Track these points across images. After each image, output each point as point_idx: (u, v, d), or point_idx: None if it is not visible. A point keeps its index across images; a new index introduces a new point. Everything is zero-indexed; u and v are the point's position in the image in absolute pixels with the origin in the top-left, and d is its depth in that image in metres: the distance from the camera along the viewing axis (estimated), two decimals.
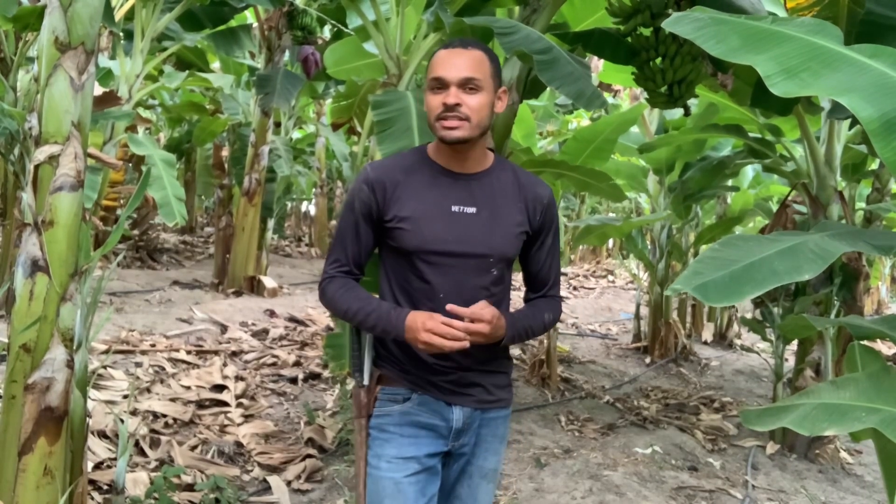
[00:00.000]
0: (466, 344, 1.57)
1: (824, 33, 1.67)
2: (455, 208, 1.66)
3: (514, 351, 6.51)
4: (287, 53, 7.53)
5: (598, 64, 6.72)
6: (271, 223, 8.51)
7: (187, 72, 7.08)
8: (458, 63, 1.61)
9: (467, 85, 1.61)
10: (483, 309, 1.59)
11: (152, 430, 3.64)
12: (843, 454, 4.42)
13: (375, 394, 1.74)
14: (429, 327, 1.56)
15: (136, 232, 9.18)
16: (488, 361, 1.74)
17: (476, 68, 1.62)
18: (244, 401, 4.30)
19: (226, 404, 4.18)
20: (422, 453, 1.70)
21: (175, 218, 5.82)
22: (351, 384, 4.14)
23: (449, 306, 1.59)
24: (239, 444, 3.68)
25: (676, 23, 1.88)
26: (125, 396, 3.87)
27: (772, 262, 2.13)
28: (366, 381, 1.74)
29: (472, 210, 1.67)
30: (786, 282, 2.06)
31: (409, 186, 1.67)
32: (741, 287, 2.02)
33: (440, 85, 1.63)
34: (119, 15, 5.51)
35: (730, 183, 6.81)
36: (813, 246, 2.25)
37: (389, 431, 1.71)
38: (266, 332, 6.01)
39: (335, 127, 7.75)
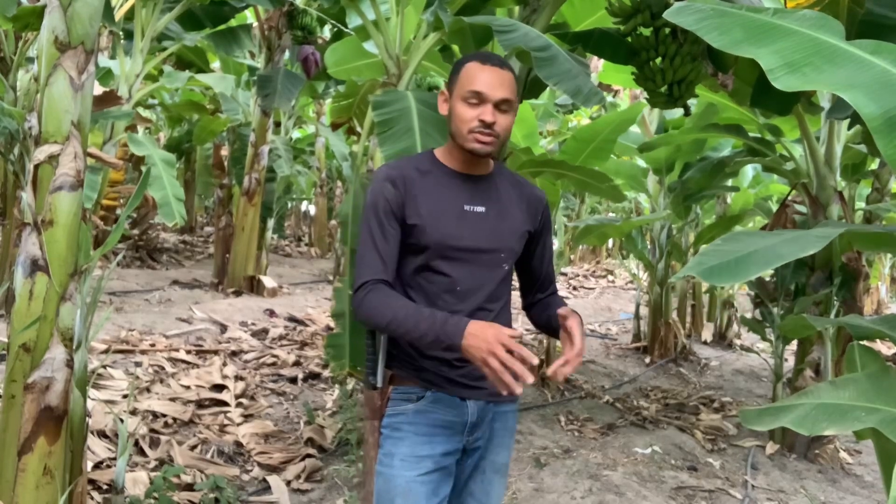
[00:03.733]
0: (518, 390, 1.44)
1: (826, 28, 1.66)
2: (467, 207, 1.73)
3: None
4: (287, 53, 7.53)
5: (597, 64, 6.72)
6: (271, 223, 8.51)
7: (188, 73, 7.08)
8: (498, 83, 1.68)
9: (502, 105, 1.68)
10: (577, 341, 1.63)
11: (152, 430, 3.64)
12: (843, 454, 4.42)
13: (388, 395, 1.75)
14: (503, 341, 1.45)
15: (135, 231, 9.18)
16: None
17: (511, 90, 1.70)
18: (244, 400, 4.30)
19: (225, 404, 4.18)
20: (436, 452, 1.70)
21: (175, 218, 5.82)
22: (351, 384, 4.14)
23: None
24: (238, 444, 3.68)
25: (678, 14, 1.87)
26: (125, 396, 3.87)
27: (776, 248, 2.15)
28: (379, 384, 1.74)
29: (481, 209, 1.74)
30: (789, 259, 2.09)
31: (424, 185, 1.74)
32: (747, 267, 2.05)
33: (479, 100, 1.67)
34: (119, 14, 5.51)
35: (730, 183, 6.81)
36: (815, 232, 2.30)
37: (403, 430, 1.71)
38: (266, 331, 6.01)
39: (335, 127, 7.75)
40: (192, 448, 3.54)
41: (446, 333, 1.52)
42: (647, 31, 3.14)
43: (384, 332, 1.68)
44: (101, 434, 3.42)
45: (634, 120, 5.46)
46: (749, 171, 7.91)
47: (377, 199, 1.70)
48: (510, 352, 1.44)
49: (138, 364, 4.51)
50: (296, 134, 11.80)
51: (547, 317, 1.84)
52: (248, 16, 8.55)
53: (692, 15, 1.84)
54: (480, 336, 1.47)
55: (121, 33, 6.03)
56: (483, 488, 1.80)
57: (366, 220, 1.71)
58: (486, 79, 1.67)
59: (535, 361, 1.45)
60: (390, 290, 1.65)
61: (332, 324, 6.14)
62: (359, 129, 7.59)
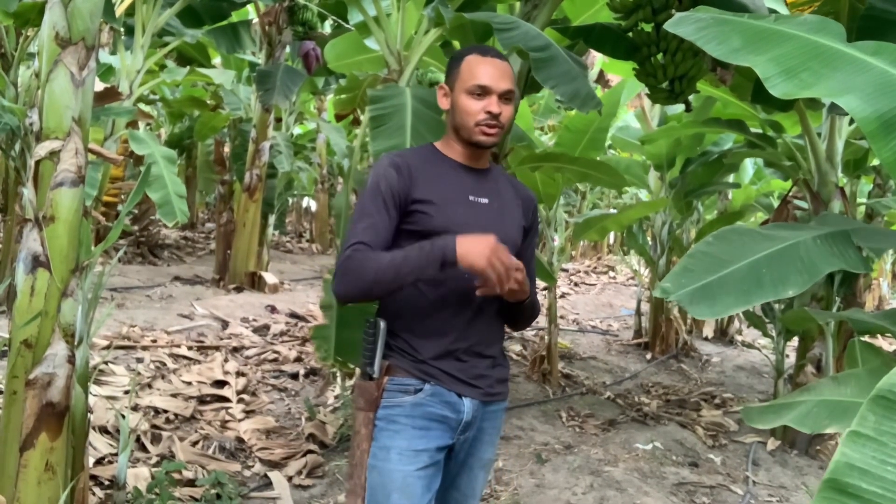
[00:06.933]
0: (506, 289, 1.60)
1: (826, 31, 1.64)
2: (472, 197, 1.76)
3: (516, 347, 6.51)
4: (287, 49, 7.51)
5: (593, 59, 6.71)
6: (272, 219, 8.50)
7: (188, 68, 7.07)
8: (500, 75, 1.72)
9: (506, 96, 1.72)
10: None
11: (153, 426, 3.65)
12: None
13: (383, 386, 1.71)
14: (498, 249, 1.56)
15: (136, 227, 9.18)
16: (493, 344, 1.79)
17: (513, 81, 1.75)
18: (245, 396, 4.30)
19: (227, 400, 4.19)
20: (432, 446, 1.69)
21: (175, 217, 5.79)
22: (342, 380, 4.14)
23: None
24: (240, 440, 3.69)
25: (679, 24, 1.87)
26: (126, 392, 3.87)
27: (760, 268, 2.14)
28: (377, 374, 1.71)
29: (485, 201, 1.77)
30: (770, 298, 2.10)
31: (429, 173, 1.75)
32: (724, 298, 2.07)
33: (484, 92, 1.71)
34: (120, 10, 5.46)
35: (731, 178, 6.80)
36: (803, 253, 2.25)
37: (400, 423, 1.68)
38: (267, 327, 6.02)
39: (338, 118, 7.73)
40: (194, 444, 3.54)
41: (439, 249, 1.57)
42: (648, 27, 3.13)
43: (370, 289, 1.64)
44: (103, 430, 3.43)
45: (619, 99, 5.49)
46: (750, 167, 7.90)
47: (379, 181, 1.69)
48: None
49: (140, 360, 4.51)
50: (297, 130, 11.77)
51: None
52: (250, 11, 8.54)
53: (692, 24, 1.83)
54: (477, 243, 1.56)
55: (121, 29, 6.02)
56: (469, 483, 1.82)
57: (362, 198, 1.70)
58: (489, 71, 1.71)
59: (522, 267, 1.62)
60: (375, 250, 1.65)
61: None
62: (362, 118, 7.58)
